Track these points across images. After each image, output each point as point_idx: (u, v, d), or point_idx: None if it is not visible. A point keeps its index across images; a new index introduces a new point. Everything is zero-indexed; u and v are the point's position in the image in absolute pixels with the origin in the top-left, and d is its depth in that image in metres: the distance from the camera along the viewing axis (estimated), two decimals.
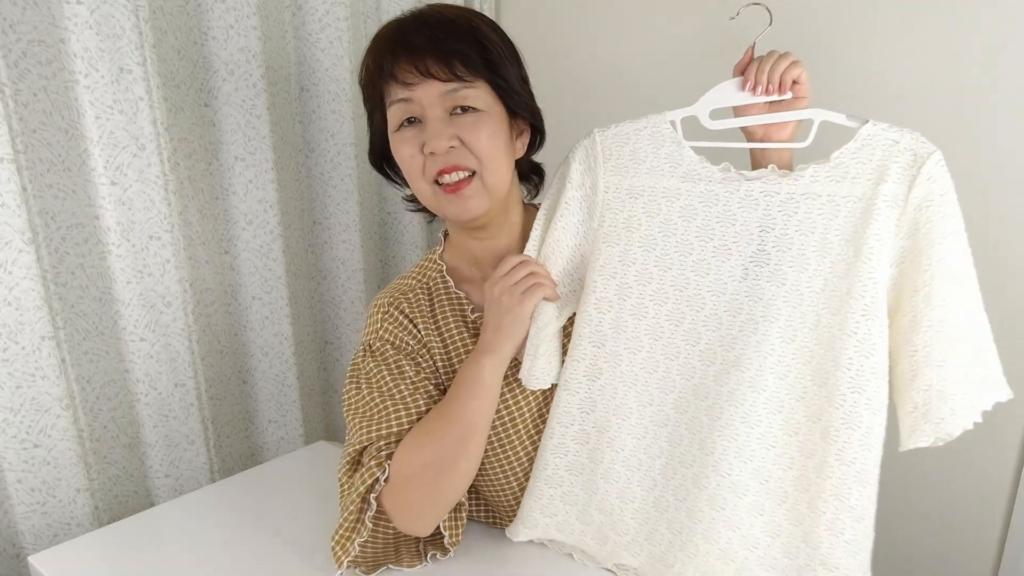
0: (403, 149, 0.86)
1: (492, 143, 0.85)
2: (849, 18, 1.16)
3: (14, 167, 0.96)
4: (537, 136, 0.95)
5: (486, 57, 0.85)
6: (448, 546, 0.89)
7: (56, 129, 1.03)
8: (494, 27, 0.89)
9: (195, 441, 1.26)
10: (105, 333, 1.14)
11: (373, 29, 1.48)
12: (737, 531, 0.81)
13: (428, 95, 0.83)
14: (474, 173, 0.85)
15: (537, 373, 0.88)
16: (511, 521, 0.94)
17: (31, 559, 0.93)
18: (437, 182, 0.86)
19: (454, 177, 0.85)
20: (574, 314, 0.91)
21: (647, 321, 0.86)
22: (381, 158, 0.96)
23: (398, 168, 0.93)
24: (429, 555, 0.90)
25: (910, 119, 1.11)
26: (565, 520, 0.91)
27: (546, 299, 0.88)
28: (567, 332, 0.92)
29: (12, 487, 1.05)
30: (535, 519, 0.91)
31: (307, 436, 1.45)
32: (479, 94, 0.85)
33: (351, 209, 1.45)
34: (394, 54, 0.83)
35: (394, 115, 0.86)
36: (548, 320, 0.89)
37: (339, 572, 0.84)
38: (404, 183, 0.96)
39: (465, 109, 0.84)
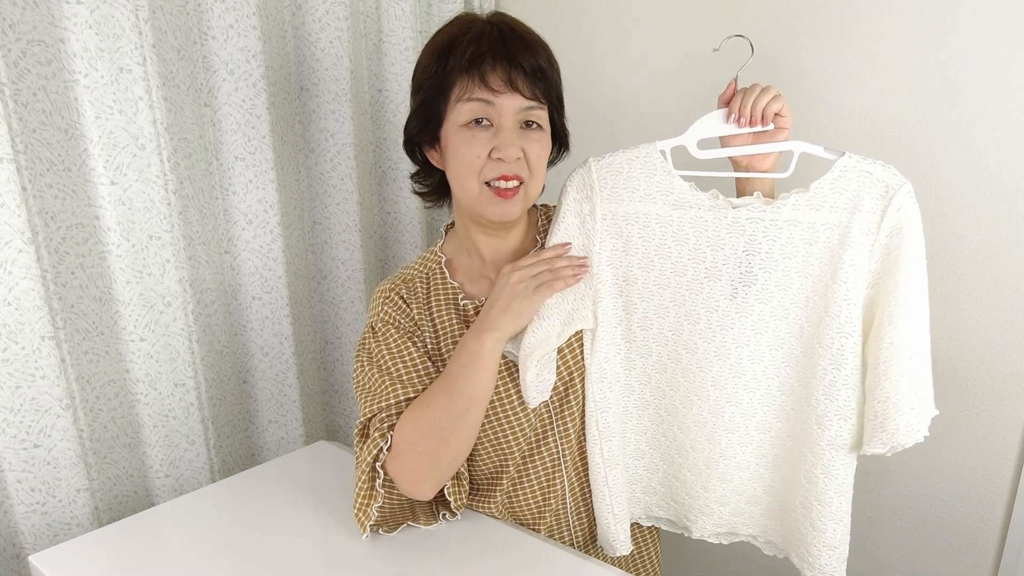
0: (470, 147, 0.89)
1: (542, 160, 0.93)
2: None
3: (14, 167, 0.96)
4: (555, 153, 1.02)
5: (555, 84, 0.94)
6: (455, 509, 0.97)
7: (56, 129, 1.03)
8: (553, 56, 0.95)
9: (195, 441, 1.26)
10: (105, 333, 1.14)
11: (373, 29, 1.48)
12: (743, 494, 0.99)
13: (509, 106, 0.89)
14: (522, 183, 0.91)
15: (531, 390, 0.93)
16: (477, 493, 1.02)
17: (31, 559, 0.93)
18: (487, 183, 0.91)
19: (511, 184, 0.90)
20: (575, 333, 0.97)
21: (652, 333, 0.97)
22: (419, 139, 0.97)
23: (425, 150, 0.98)
24: (441, 515, 0.98)
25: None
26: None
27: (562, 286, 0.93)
28: (572, 349, 0.98)
29: (12, 487, 1.05)
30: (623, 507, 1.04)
31: (307, 436, 1.45)
32: (543, 115, 0.93)
33: (351, 209, 1.45)
34: (493, 57, 0.87)
35: (467, 111, 0.89)
36: (548, 335, 0.92)
37: (364, 536, 0.94)
38: (423, 164, 1.00)
39: (529, 124, 0.91)
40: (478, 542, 0.96)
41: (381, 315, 0.99)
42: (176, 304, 1.19)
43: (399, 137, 1.01)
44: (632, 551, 1.11)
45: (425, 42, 0.96)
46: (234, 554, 0.94)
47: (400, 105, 1.52)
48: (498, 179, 0.90)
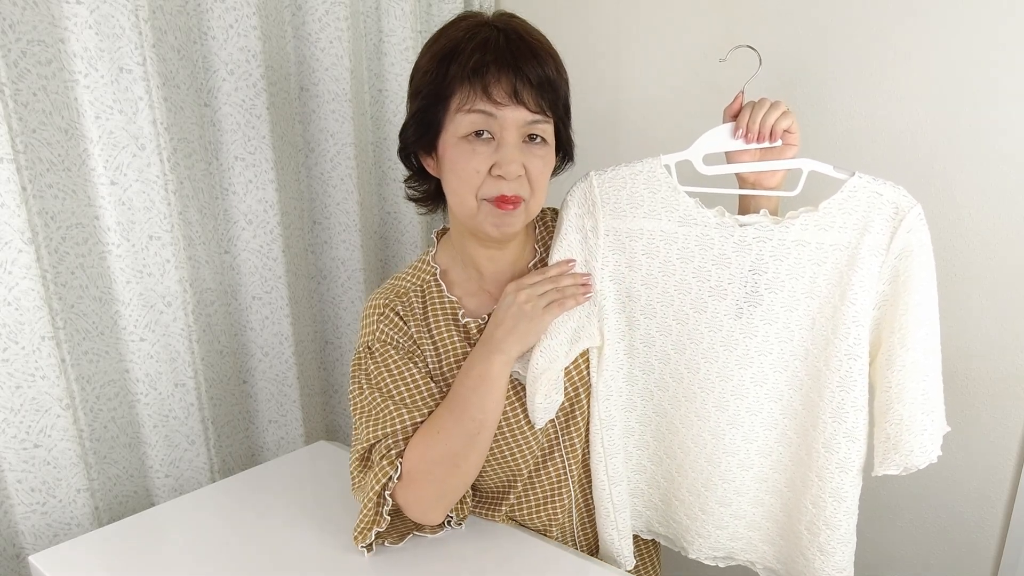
0: (469, 161, 0.84)
1: (545, 176, 0.89)
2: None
3: (14, 167, 0.96)
4: (558, 162, 0.96)
5: (563, 95, 0.89)
6: (459, 523, 0.96)
7: (56, 129, 1.03)
8: (562, 64, 0.90)
9: (195, 441, 1.26)
10: (105, 333, 1.14)
11: (373, 29, 1.48)
12: (742, 519, 0.97)
13: (513, 120, 0.83)
14: (523, 200, 0.87)
15: (538, 412, 0.91)
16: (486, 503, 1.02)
17: (31, 559, 0.93)
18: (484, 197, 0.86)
19: (510, 203, 0.86)
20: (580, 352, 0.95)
21: (655, 350, 0.95)
22: (415, 148, 0.92)
23: (420, 156, 0.92)
24: (446, 520, 0.96)
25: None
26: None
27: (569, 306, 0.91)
28: (578, 367, 0.97)
29: (12, 487, 1.05)
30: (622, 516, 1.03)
31: (307, 436, 1.45)
32: (548, 129, 0.87)
33: (351, 209, 1.45)
34: (498, 67, 0.82)
35: (467, 123, 0.84)
36: (555, 355, 0.91)
37: (366, 555, 0.92)
38: (418, 170, 0.95)
39: (533, 138, 0.86)
40: (481, 542, 0.96)
41: (377, 334, 0.94)
42: (176, 304, 1.19)
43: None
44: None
45: (425, 41, 0.91)
46: (234, 554, 0.94)
47: (400, 105, 1.52)
48: (497, 198, 0.85)
